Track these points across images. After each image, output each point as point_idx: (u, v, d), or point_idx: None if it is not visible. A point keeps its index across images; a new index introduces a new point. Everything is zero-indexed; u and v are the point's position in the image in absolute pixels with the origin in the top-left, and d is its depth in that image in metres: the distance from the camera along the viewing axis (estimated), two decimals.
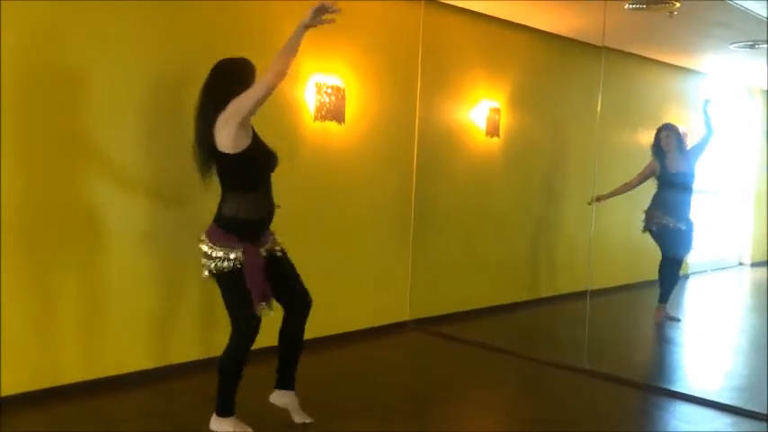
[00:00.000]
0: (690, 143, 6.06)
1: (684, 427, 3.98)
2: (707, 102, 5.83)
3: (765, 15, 5.16)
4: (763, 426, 3.91)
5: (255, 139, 3.22)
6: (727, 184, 7.54)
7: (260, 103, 3.10)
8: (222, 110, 3.12)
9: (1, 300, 3.58)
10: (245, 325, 3.22)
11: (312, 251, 4.73)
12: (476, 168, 6.13)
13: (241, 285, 3.18)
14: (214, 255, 3.18)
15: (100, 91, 3.87)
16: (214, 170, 3.27)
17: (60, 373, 3.82)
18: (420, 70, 5.61)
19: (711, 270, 7.60)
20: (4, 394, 3.60)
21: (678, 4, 5.02)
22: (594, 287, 5.37)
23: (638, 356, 5.57)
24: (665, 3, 5.03)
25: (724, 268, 7.95)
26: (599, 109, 5.31)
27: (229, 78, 3.19)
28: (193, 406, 3.73)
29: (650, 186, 5.89)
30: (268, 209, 3.29)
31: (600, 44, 5.49)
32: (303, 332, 3.44)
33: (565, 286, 6.65)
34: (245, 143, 3.15)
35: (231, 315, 3.25)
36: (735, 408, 4.13)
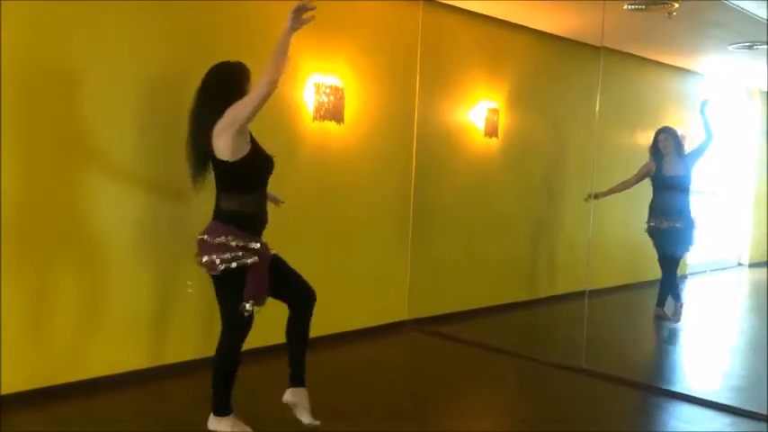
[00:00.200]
0: (688, 145, 6.06)
1: (683, 427, 3.98)
2: (704, 103, 5.83)
3: (764, 16, 5.17)
4: (761, 426, 3.92)
5: (254, 144, 3.22)
6: (726, 184, 7.54)
7: (256, 110, 3.09)
8: (217, 114, 3.11)
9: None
10: (241, 323, 3.21)
11: (311, 251, 4.74)
12: (474, 168, 6.13)
13: (241, 283, 3.18)
14: (234, 247, 3.12)
15: (99, 91, 3.87)
16: (206, 174, 3.27)
17: (57, 373, 3.82)
18: (419, 70, 5.61)
19: (710, 270, 7.60)
20: (2, 393, 3.59)
21: (677, 5, 5.03)
22: (593, 287, 5.38)
23: (637, 356, 5.57)
24: (664, 3, 5.04)
25: (723, 269, 7.95)
26: (598, 109, 5.31)
27: (224, 82, 3.18)
28: (191, 406, 3.73)
29: (649, 187, 5.89)
30: (265, 209, 3.29)
31: (599, 44, 5.49)
32: (309, 327, 3.40)
33: (563, 286, 6.66)
34: (244, 150, 3.15)
35: (226, 312, 3.24)
36: (733, 408, 4.13)
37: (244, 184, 3.21)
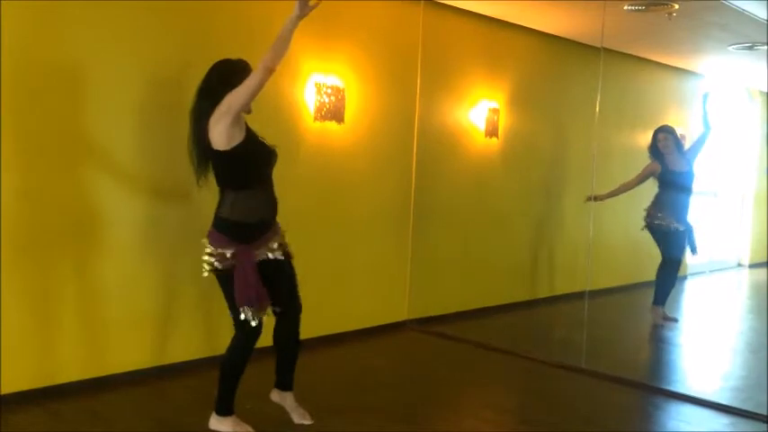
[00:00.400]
0: (687, 144, 6.07)
1: (682, 427, 3.99)
2: (706, 95, 5.84)
3: (764, 17, 5.17)
4: (761, 426, 3.93)
5: (249, 134, 3.22)
6: (726, 185, 7.54)
7: (251, 97, 3.10)
8: (215, 107, 3.12)
9: (0, 298, 3.58)
10: (245, 328, 3.23)
11: (311, 251, 4.74)
12: (475, 168, 6.14)
13: (231, 288, 3.19)
14: (211, 254, 3.20)
15: (99, 89, 3.88)
16: (209, 170, 3.28)
17: (59, 372, 3.83)
18: (419, 70, 5.62)
19: (710, 271, 7.60)
20: (3, 393, 3.61)
21: (677, 6, 5.04)
22: (593, 287, 5.39)
23: (636, 357, 5.58)
24: (664, 4, 5.05)
25: (723, 269, 7.95)
26: (598, 110, 5.32)
27: (226, 80, 3.18)
28: (192, 405, 3.74)
29: (649, 187, 5.90)
30: (266, 208, 3.28)
31: (599, 45, 5.50)
32: (298, 336, 3.44)
33: (563, 287, 6.67)
34: (238, 139, 3.14)
35: (232, 316, 3.26)
36: (733, 408, 4.14)
37: (239, 178, 3.20)
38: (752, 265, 7.97)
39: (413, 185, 5.67)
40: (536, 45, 6.43)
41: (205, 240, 3.23)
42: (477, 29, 5.96)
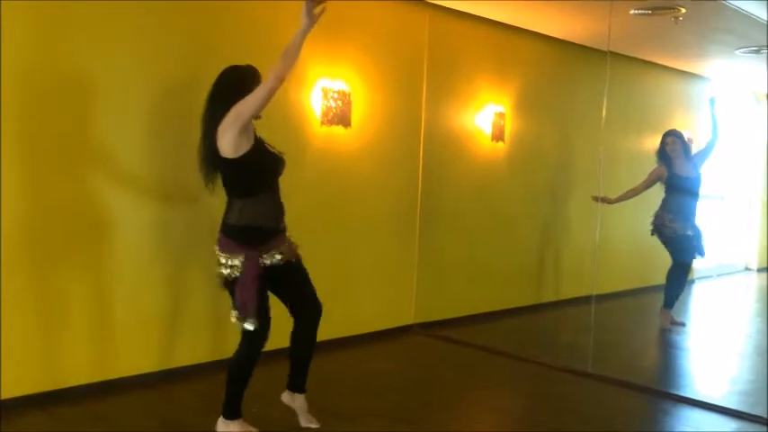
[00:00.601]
0: (694, 149, 6.07)
1: (689, 431, 3.98)
2: (712, 100, 5.84)
3: None
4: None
5: (258, 142, 3.23)
6: (734, 189, 7.53)
7: (261, 107, 3.12)
8: (225, 115, 3.14)
9: (6, 302, 3.60)
10: (251, 331, 3.24)
11: (318, 254, 4.73)
12: (481, 173, 6.14)
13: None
14: (220, 262, 3.22)
15: (106, 94, 3.90)
16: (217, 176, 3.30)
17: (66, 376, 3.85)
18: (426, 75, 5.63)
19: (718, 275, 7.59)
20: (8, 396, 3.62)
21: (683, 10, 5.04)
22: (600, 292, 5.38)
23: (644, 361, 5.56)
24: (670, 8, 5.05)
25: (730, 273, 7.94)
26: (604, 114, 5.32)
27: (235, 86, 3.20)
28: (200, 409, 3.74)
29: (655, 192, 5.89)
30: (273, 214, 3.29)
31: (605, 49, 5.51)
32: (315, 339, 3.45)
33: (570, 291, 6.66)
34: (246, 147, 3.16)
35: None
36: (740, 412, 4.13)
37: (247, 185, 3.21)
38: (759, 269, 7.96)
39: (419, 189, 5.67)
40: (542, 49, 6.43)
41: (216, 249, 3.24)
42: (483, 33, 5.97)
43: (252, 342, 3.26)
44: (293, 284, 3.38)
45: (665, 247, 5.86)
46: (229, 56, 3.37)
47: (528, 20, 5.94)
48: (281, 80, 3.07)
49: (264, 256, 3.25)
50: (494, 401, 4.36)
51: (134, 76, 4.00)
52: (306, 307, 3.40)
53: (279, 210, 3.31)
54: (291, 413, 3.53)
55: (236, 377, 3.30)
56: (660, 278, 5.91)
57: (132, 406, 3.84)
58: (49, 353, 3.78)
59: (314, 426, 3.51)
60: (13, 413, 3.56)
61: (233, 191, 3.25)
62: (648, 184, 5.90)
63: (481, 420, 3.97)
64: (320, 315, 3.43)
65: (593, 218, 5.49)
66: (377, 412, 3.87)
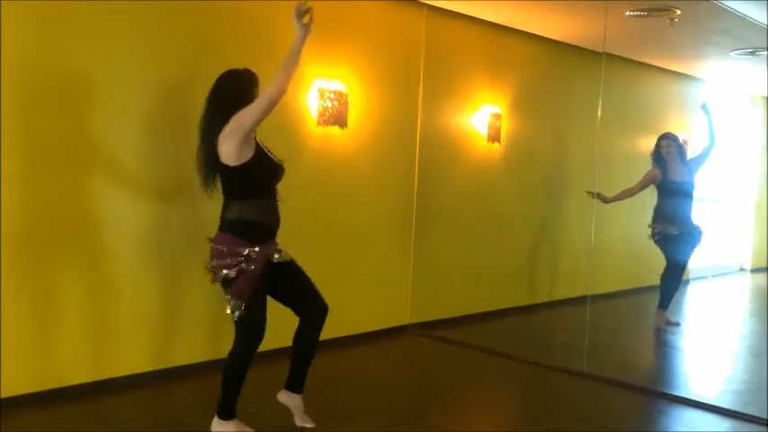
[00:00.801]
0: (690, 151, 6.09)
1: (683, 431, 4.00)
2: (705, 105, 5.86)
3: (765, 23, 5.19)
4: (763, 430, 3.93)
5: (259, 150, 3.25)
6: (728, 190, 7.56)
7: (262, 117, 3.14)
8: (225, 120, 3.15)
9: (4, 301, 3.61)
10: (249, 329, 3.25)
11: (314, 255, 4.75)
12: (477, 173, 6.16)
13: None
14: (220, 259, 3.21)
15: (104, 93, 3.90)
16: (217, 180, 3.31)
17: (63, 375, 3.85)
18: (422, 76, 5.64)
19: (712, 276, 7.62)
20: (6, 395, 3.62)
21: (678, 12, 5.06)
22: (594, 292, 5.40)
23: (638, 361, 5.59)
24: (666, 10, 5.07)
25: (725, 274, 7.97)
26: (599, 115, 5.34)
27: (233, 89, 3.22)
28: (196, 408, 3.75)
29: (651, 193, 5.92)
30: (272, 215, 3.31)
31: (601, 50, 5.53)
32: (317, 339, 3.46)
33: (565, 291, 6.68)
34: (247, 155, 3.18)
35: (234, 319, 3.28)
36: (734, 412, 4.15)
37: (247, 190, 3.24)
38: (754, 270, 7.99)
39: (415, 190, 5.69)
40: (538, 50, 6.45)
41: (214, 248, 3.24)
42: (479, 34, 5.99)
43: (247, 342, 3.27)
44: (296, 284, 3.39)
45: (660, 249, 5.88)
46: (229, 56, 3.39)
47: (524, 21, 5.96)
48: (281, 91, 3.10)
49: (267, 253, 3.27)
50: (491, 401, 4.37)
51: (133, 76, 4.01)
52: (313, 306, 3.41)
53: (276, 214, 3.34)
54: (287, 413, 3.54)
55: (231, 377, 3.30)
56: (655, 279, 5.93)
57: (128, 405, 3.84)
58: (46, 352, 3.79)
59: (309, 425, 3.52)
60: (10, 412, 3.56)
61: (232, 194, 3.26)
62: (643, 185, 5.92)
63: (478, 420, 3.98)
64: (326, 315, 3.43)
65: (589, 218, 5.51)
66: (374, 412, 3.88)
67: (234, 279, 3.20)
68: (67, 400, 3.77)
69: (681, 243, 5.82)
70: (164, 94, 4.14)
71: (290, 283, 3.38)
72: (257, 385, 3.47)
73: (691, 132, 6.52)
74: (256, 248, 3.21)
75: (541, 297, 6.80)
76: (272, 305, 3.37)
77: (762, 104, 7.83)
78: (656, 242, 5.86)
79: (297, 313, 3.41)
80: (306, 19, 3.13)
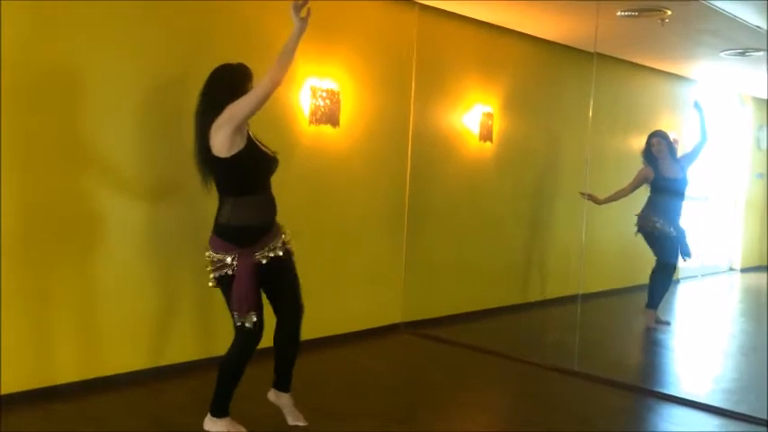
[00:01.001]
0: (680, 149, 6.12)
1: (674, 429, 4.02)
2: (698, 103, 5.90)
3: (755, 24, 5.23)
4: (752, 428, 3.96)
5: (250, 142, 3.24)
6: (718, 190, 7.60)
7: (255, 109, 3.13)
8: (218, 114, 3.14)
9: None
10: (243, 330, 3.25)
11: (306, 253, 4.72)
12: (469, 172, 6.17)
13: (230, 293, 3.22)
14: (213, 261, 3.23)
15: (97, 92, 3.89)
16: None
17: (56, 373, 3.84)
18: (414, 75, 5.65)
19: (702, 275, 7.65)
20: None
21: (669, 12, 5.09)
22: (585, 291, 5.42)
23: (629, 359, 5.61)
24: (657, 10, 5.09)
25: (715, 273, 8.01)
26: (591, 114, 5.36)
27: (227, 84, 3.21)
28: (188, 407, 3.74)
29: (642, 192, 5.94)
30: (266, 210, 3.30)
31: (592, 50, 5.55)
32: (298, 338, 3.46)
33: (556, 290, 6.70)
34: (239, 146, 3.17)
35: (233, 319, 3.28)
36: (724, 410, 4.18)
37: (239, 184, 3.23)
38: (743, 270, 8.03)
39: (407, 189, 5.69)
40: (530, 50, 6.47)
41: (207, 249, 3.25)
42: (471, 34, 6.00)
43: (246, 341, 3.27)
44: (281, 283, 3.39)
45: (650, 247, 5.91)
46: (222, 54, 3.37)
47: (516, 21, 5.97)
48: (276, 83, 3.09)
49: (257, 254, 3.26)
50: (482, 400, 4.38)
51: (127, 74, 4.00)
52: (288, 307, 3.40)
53: (271, 207, 3.33)
54: (279, 411, 3.55)
55: (227, 376, 3.30)
56: (645, 278, 5.96)
57: (121, 403, 3.83)
58: (40, 350, 3.77)
59: (301, 423, 3.52)
60: (3, 410, 3.55)
61: (225, 189, 3.26)
62: (635, 185, 5.94)
63: (470, 419, 3.99)
64: (301, 315, 3.43)
65: (580, 218, 5.53)
66: (365, 411, 3.89)
67: (226, 285, 3.20)
68: (60, 399, 3.76)
69: (672, 243, 5.85)
70: (157, 92, 4.13)
71: (278, 282, 3.37)
72: (250, 383, 3.47)
73: (681, 132, 6.55)
74: (237, 254, 3.19)
75: (533, 296, 6.82)
76: (267, 306, 3.38)
77: (751, 104, 7.88)
78: (646, 238, 5.88)
79: (274, 311, 3.41)
80: (303, 12, 3.13)
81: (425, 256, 5.84)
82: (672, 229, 5.81)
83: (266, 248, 3.29)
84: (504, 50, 6.31)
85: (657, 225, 5.83)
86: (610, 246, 6.53)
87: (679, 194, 5.88)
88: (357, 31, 5.23)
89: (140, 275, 4.13)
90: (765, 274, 7.76)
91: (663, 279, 5.92)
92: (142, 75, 4.06)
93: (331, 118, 5.01)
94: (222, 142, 3.14)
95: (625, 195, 5.91)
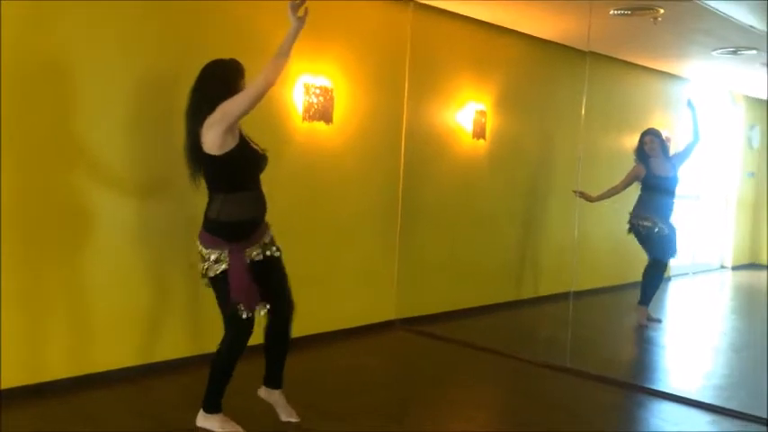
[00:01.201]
0: (673, 148, 6.14)
1: (665, 425, 4.04)
2: (691, 102, 5.92)
3: (747, 23, 5.25)
4: (742, 424, 3.98)
5: (242, 140, 3.24)
6: (710, 188, 7.64)
7: (249, 108, 3.12)
8: (210, 111, 3.13)
9: None
10: (237, 326, 3.25)
11: (299, 250, 4.74)
12: (462, 170, 6.18)
13: (225, 288, 3.22)
14: (205, 257, 3.23)
15: (89, 89, 3.88)
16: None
17: (47, 370, 3.83)
18: (408, 72, 5.66)
19: (694, 273, 7.69)
20: None
21: (662, 11, 5.10)
22: (578, 288, 5.44)
23: (620, 356, 5.64)
24: (649, 9, 5.11)
25: (706, 271, 8.05)
26: (584, 112, 5.37)
27: (219, 79, 3.21)
28: (180, 403, 3.74)
29: (634, 190, 5.97)
30: (255, 207, 3.30)
31: (585, 49, 5.57)
32: (289, 335, 3.46)
33: (549, 287, 6.73)
34: (231, 145, 3.17)
35: (224, 315, 3.28)
36: (714, 406, 4.20)
37: (230, 181, 3.23)
38: (734, 267, 8.08)
39: (400, 186, 5.70)
40: (523, 48, 6.48)
41: (198, 245, 3.25)
42: (465, 32, 6.01)
43: (239, 333, 3.27)
44: (272, 281, 3.38)
45: (642, 245, 5.93)
46: (212, 51, 3.36)
47: (509, 19, 5.98)
48: (270, 83, 3.09)
49: (247, 250, 3.26)
50: (475, 397, 4.39)
51: (118, 70, 3.99)
52: (279, 304, 3.40)
53: (261, 204, 3.32)
54: (271, 407, 3.55)
55: (219, 372, 3.31)
56: (637, 275, 5.98)
57: (113, 400, 3.83)
58: (30, 346, 3.76)
59: (294, 419, 3.52)
60: None
61: (215, 186, 3.25)
62: (627, 183, 5.96)
63: (463, 416, 4.00)
64: (292, 312, 3.44)
65: (572, 215, 5.55)
66: (359, 408, 3.89)
67: (220, 280, 3.19)
68: (51, 395, 3.75)
69: (659, 240, 5.87)
70: (149, 88, 4.12)
71: (265, 278, 3.37)
72: (243, 379, 3.47)
73: (674, 130, 6.58)
74: (229, 249, 3.19)
75: (526, 293, 6.84)
76: None
77: (743, 103, 7.92)
78: (637, 237, 5.91)
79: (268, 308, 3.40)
80: (301, 12, 3.13)
81: (419, 253, 5.85)
82: (663, 227, 5.83)
83: (256, 245, 3.29)
84: (497, 48, 6.32)
85: (646, 223, 5.85)
86: (602, 243, 6.56)
87: (669, 193, 5.91)
88: (351, 28, 5.23)
89: (131, 272, 4.12)
90: (757, 272, 7.81)
91: (654, 276, 5.95)
92: (134, 72, 4.05)
93: (324, 115, 5.01)
94: (214, 140, 3.13)
95: (617, 193, 5.93)
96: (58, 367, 3.87)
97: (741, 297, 8.22)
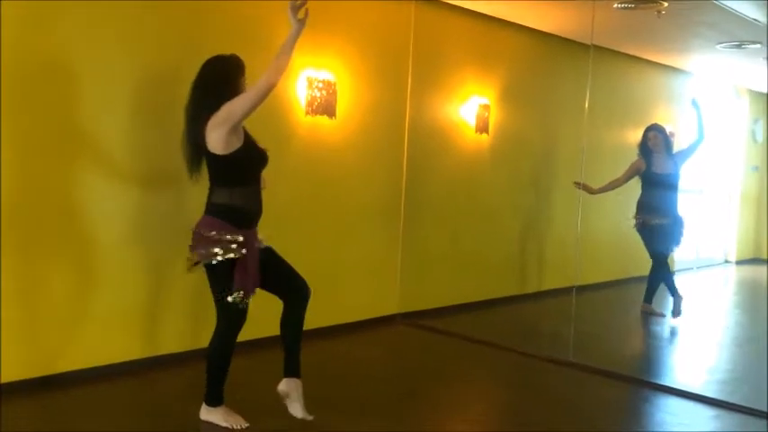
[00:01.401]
0: (676, 143, 6.12)
1: (669, 419, 4.04)
2: (695, 100, 5.91)
3: (752, 17, 5.23)
4: (745, 418, 3.98)
5: (247, 139, 3.25)
6: (713, 182, 7.62)
7: (251, 109, 3.13)
8: (211, 108, 3.13)
9: None
10: (232, 314, 3.25)
11: (302, 244, 4.77)
12: (465, 164, 6.18)
13: (230, 275, 3.20)
14: (221, 241, 3.16)
15: (90, 84, 3.88)
16: (201, 167, 3.30)
17: (49, 363, 3.84)
18: (411, 66, 5.65)
19: (697, 268, 7.69)
20: None
21: (666, 4, 5.09)
22: (581, 283, 5.44)
23: (624, 350, 5.63)
24: (653, 2, 5.09)
25: (710, 266, 8.04)
26: (587, 106, 5.36)
27: (219, 75, 3.21)
28: (183, 396, 3.75)
29: (636, 184, 5.96)
30: (257, 202, 3.31)
31: (588, 42, 5.55)
32: (302, 321, 3.42)
33: (552, 281, 6.72)
34: (236, 145, 3.17)
35: (218, 304, 3.28)
36: (718, 400, 4.20)
37: (234, 178, 3.24)
38: (738, 262, 8.07)
39: (403, 180, 5.69)
40: (526, 42, 6.47)
41: (203, 231, 3.20)
42: (468, 26, 5.99)
43: (228, 326, 3.27)
44: (277, 269, 3.38)
45: (646, 244, 5.93)
46: (214, 48, 3.36)
47: (512, 13, 5.97)
48: (272, 84, 3.09)
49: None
50: (478, 391, 4.40)
51: (119, 65, 3.99)
52: (296, 289, 3.38)
53: (260, 200, 3.34)
54: (276, 400, 3.52)
55: (214, 363, 3.31)
56: (641, 270, 5.98)
57: (116, 393, 3.83)
58: (33, 340, 3.77)
59: (309, 418, 3.38)
60: None
61: (219, 181, 3.26)
62: (628, 176, 5.96)
63: (465, 409, 4.00)
64: (309, 296, 3.41)
65: (576, 210, 5.54)
66: (361, 401, 3.90)
67: (226, 267, 3.18)
68: (54, 388, 3.76)
69: (662, 234, 5.86)
70: (149, 87, 4.12)
71: (272, 269, 3.37)
72: (245, 373, 3.48)
73: (677, 125, 6.56)
74: (242, 237, 3.19)
75: (529, 287, 6.84)
76: (259, 294, 3.37)
77: (747, 97, 7.89)
78: (638, 232, 5.91)
79: (281, 298, 3.39)
80: (301, 14, 3.13)
81: (422, 247, 5.85)
82: (663, 220, 5.81)
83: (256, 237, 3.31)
84: (500, 42, 6.30)
85: (646, 219, 5.85)
86: (605, 237, 6.55)
87: (669, 188, 5.89)
88: (354, 22, 5.22)
89: (133, 264, 4.13)
90: (760, 267, 7.80)
91: (659, 274, 5.95)
92: (134, 70, 4.05)
93: (327, 109, 5.00)
94: (218, 141, 3.14)
95: (619, 185, 5.92)
96: (60, 361, 3.87)
97: (745, 291, 8.21)
